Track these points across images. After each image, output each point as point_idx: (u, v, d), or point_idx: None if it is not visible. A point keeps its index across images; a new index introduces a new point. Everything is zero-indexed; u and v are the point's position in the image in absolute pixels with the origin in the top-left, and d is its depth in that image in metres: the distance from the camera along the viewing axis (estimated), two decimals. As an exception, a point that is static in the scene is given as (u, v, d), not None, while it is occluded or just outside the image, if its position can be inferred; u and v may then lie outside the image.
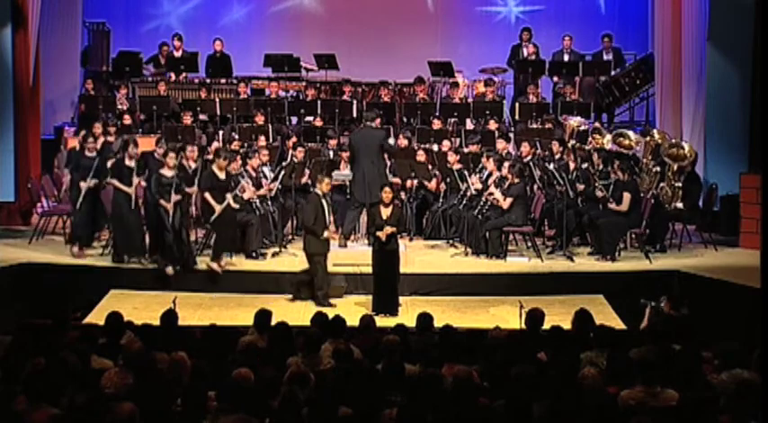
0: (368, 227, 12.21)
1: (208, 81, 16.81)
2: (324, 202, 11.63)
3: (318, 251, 11.55)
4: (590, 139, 14.49)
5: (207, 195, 12.14)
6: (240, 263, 12.45)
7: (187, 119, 15.38)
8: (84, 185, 12.29)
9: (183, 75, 16.95)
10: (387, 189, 11.62)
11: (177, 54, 17.14)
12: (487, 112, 15.88)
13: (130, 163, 12.18)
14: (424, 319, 8.87)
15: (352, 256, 12.43)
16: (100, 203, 12.72)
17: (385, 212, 11.44)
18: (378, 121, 14.93)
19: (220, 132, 15.57)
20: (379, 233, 11.34)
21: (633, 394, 6.71)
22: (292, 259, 12.52)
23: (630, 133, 14.29)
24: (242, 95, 16.28)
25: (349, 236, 13.00)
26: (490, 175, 13.22)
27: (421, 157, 13.98)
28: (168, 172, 12.04)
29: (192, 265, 12.11)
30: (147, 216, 12.22)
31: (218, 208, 12.04)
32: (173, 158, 12.10)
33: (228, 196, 12.12)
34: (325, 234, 11.54)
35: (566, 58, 17.17)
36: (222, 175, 12.22)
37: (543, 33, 17.62)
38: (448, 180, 13.64)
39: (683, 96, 14.91)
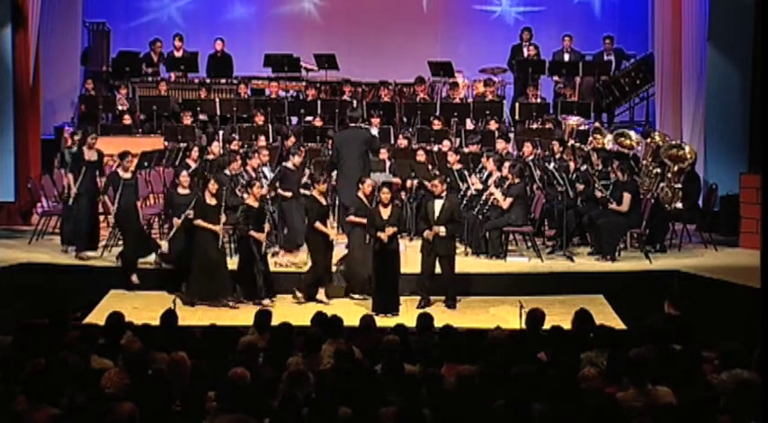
0: (367, 227, 12.17)
1: (208, 81, 16.82)
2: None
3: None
4: (590, 138, 14.50)
5: (318, 225, 11.60)
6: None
7: (187, 119, 15.39)
8: (177, 222, 11.75)
9: (180, 74, 16.94)
10: (385, 189, 11.60)
11: (178, 54, 17.13)
12: (487, 112, 15.89)
13: (211, 200, 11.57)
14: (424, 319, 8.87)
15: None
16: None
17: (385, 213, 11.43)
18: (377, 120, 14.97)
19: (220, 132, 15.58)
20: (380, 234, 11.34)
21: (627, 396, 6.70)
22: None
23: (632, 133, 14.31)
24: (242, 95, 16.28)
25: None
26: (490, 175, 13.22)
27: (421, 157, 13.98)
28: (254, 202, 11.60)
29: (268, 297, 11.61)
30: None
31: (331, 233, 11.70)
32: (259, 189, 11.74)
33: (333, 222, 11.73)
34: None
35: (566, 57, 17.17)
36: (324, 201, 11.78)
37: (541, 34, 17.61)
38: (448, 180, 13.62)
39: (683, 96, 14.91)
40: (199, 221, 11.53)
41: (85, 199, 12.49)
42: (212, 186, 11.64)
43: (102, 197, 12.59)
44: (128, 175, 12.20)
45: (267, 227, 11.63)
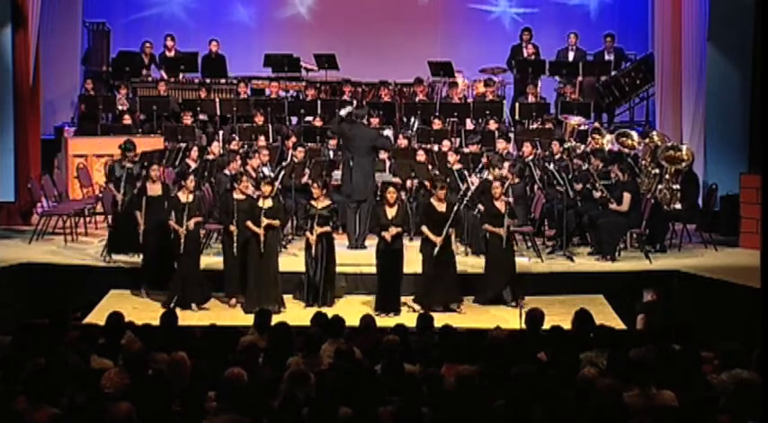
0: (371, 226, 12.19)
1: (208, 81, 16.81)
2: None
3: None
4: (589, 139, 14.51)
5: (424, 228, 11.39)
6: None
7: (187, 119, 15.39)
8: (233, 229, 11.42)
9: (173, 74, 16.94)
10: (391, 189, 11.63)
11: (170, 54, 17.12)
12: (487, 112, 15.89)
13: (264, 203, 11.30)
14: (424, 319, 8.88)
15: (353, 256, 12.43)
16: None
17: (390, 212, 11.43)
18: (377, 120, 14.97)
19: (220, 132, 15.58)
20: (384, 234, 11.34)
21: (629, 397, 6.70)
22: (292, 259, 12.50)
23: (633, 133, 14.33)
24: (242, 95, 16.28)
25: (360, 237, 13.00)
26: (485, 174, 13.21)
27: (421, 157, 13.98)
28: (319, 203, 11.50)
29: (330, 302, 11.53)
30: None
31: (438, 240, 11.31)
32: (318, 189, 11.60)
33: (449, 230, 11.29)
34: None
35: (570, 55, 17.14)
36: (442, 207, 11.36)
37: (541, 35, 17.59)
38: (448, 180, 13.62)
39: (683, 96, 14.92)
40: (249, 224, 11.35)
41: (155, 236, 11.70)
42: (266, 188, 11.41)
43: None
44: (186, 198, 11.47)
45: (320, 229, 11.44)
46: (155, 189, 11.83)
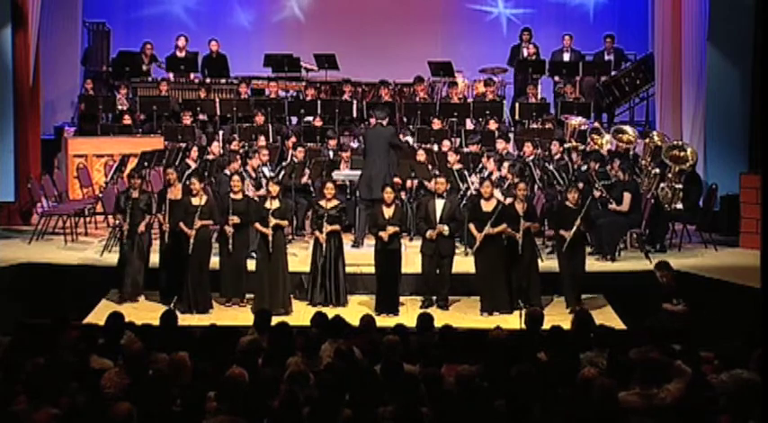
0: (370, 227, 12.17)
1: (208, 81, 16.82)
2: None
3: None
4: (588, 139, 14.51)
5: (471, 226, 11.41)
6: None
7: (187, 119, 15.40)
8: (227, 229, 11.39)
9: (179, 74, 16.93)
10: (388, 189, 11.62)
11: (180, 54, 17.12)
12: (487, 112, 15.89)
13: (269, 204, 11.31)
14: (424, 319, 8.88)
15: (353, 256, 12.43)
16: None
17: (387, 212, 11.43)
18: (375, 121, 14.95)
19: (220, 132, 15.58)
20: (381, 233, 11.34)
21: (629, 396, 6.70)
22: (292, 259, 12.50)
23: (629, 128, 14.34)
24: (242, 95, 16.29)
25: (363, 236, 13.00)
26: (490, 174, 13.21)
27: (421, 157, 13.98)
28: (327, 203, 11.51)
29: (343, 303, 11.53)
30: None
31: (479, 236, 11.27)
32: (331, 189, 11.59)
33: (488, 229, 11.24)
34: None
35: (566, 56, 17.16)
36: (488, 207, 11.35)
37: (541, 35, 17.61)
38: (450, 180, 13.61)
39: (683, 96, 14.92)
40: (257, 225, 11.36)
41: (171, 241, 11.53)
42: (273, 188, 11.40)
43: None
44: (199, 201, 11.37)
45: (329, 228, 11.42)
46: (175, 192, 11.64)
